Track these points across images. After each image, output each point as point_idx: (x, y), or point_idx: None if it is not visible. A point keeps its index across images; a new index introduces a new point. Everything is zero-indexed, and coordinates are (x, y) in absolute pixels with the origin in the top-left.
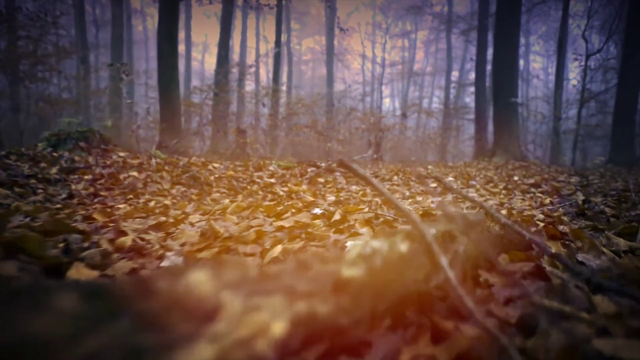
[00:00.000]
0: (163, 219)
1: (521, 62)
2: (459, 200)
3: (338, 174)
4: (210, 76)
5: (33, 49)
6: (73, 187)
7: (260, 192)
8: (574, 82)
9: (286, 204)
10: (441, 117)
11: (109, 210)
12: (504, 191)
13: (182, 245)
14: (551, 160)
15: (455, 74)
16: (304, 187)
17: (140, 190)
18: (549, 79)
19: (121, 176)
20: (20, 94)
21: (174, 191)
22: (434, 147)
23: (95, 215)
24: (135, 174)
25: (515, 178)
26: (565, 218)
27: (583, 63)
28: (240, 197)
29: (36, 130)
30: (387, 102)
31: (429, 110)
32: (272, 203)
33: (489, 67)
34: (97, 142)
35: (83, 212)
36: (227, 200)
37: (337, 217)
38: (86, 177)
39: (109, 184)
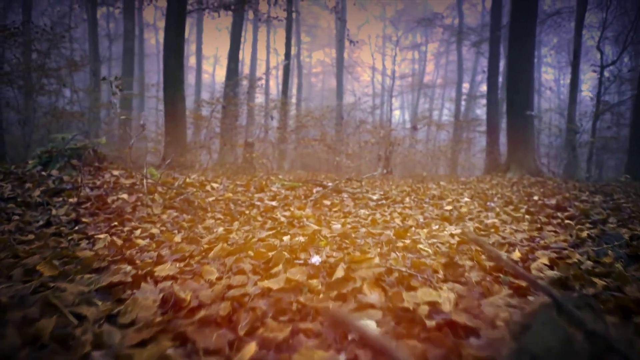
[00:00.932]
0: (128, 269)
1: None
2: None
3: (345, 195)
4: (221, 89)
5: (42, 62)
6: (54, 212)
7: (260, 218)
8: (588, 93)
9: (279, 247)
10: (452, 129)
11: (70, 252)
12: (527, 216)
13: (128, 326)
14: (566, 174)
15: (466, 86)
16: (308, 211)
17: (128, 215)
18: (560, 90)
19: (109, 199)
20: (28, 107)
21: (164, 217)
22: (445, 160)
23: (40, 268)
24: (125, 196)
25: (535, 197)
26: (618, 265)
27: (598, 75)
28: (236, 224)
29: (43, 143)
30: (397, 114)
31: (440, 123)
32: (269, 232)
33: (501, 79)
34: (90, 160)
35: (53, 244)
36: (220, 229)
37: (339, 273)
38: (71, 199)
39: (95, 208)
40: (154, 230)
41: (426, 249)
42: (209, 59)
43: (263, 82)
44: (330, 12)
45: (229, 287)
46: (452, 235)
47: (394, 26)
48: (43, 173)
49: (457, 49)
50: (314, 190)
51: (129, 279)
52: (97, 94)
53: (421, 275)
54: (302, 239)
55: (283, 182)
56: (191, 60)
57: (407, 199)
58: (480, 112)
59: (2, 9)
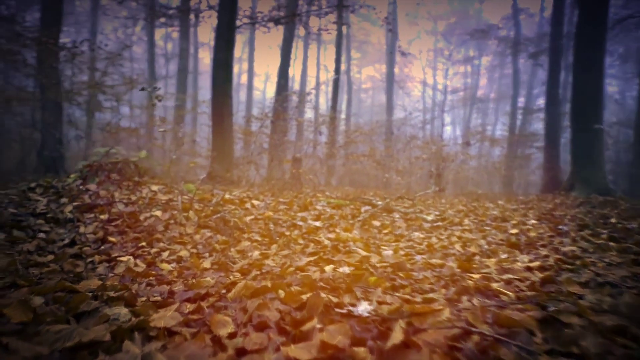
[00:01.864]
0: (122, 313)
1: None
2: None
3: (397, 215)
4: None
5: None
6: (81, 229)
7: (301, 241)
8: None
9: (319, 281)
10: (506, 145)
11: (71, 282)
12: (611, 243)
13: None
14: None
15: (521, 101)
16: (356, 233)
17: (159, 234)
18: (627, 102)
19: (142, 216)
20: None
21: (197, 237)
22: (498, 177)
23: (9, 312)
24: (158, 213)
25: (613, 220)
26: None
27: None
28: (274, 247)
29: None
30: (448, 129)
31: (494, 138)
32: (310, 259)
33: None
34: (130, 174)
35: (69, 268)
36: (256, 253)
37: (397, 336)
38: (102, 216)
39: (125, 225)
40: (183, 253)
41: (504, 290)
42: (260, 76)
43: (312, 97)
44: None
45: (240, 352)
46: (529, 269)
47: (446, 40)
48: (81, 187)
49: (512, 61)
50: (362, 210)
51: (107, 337)
52: (151, 110)
53: (513, 342)
54: (347, 269)
55: (329, 200)
56: (243, 78)
57: (466, 220)
58: (537, 127)
59: (73, 33)
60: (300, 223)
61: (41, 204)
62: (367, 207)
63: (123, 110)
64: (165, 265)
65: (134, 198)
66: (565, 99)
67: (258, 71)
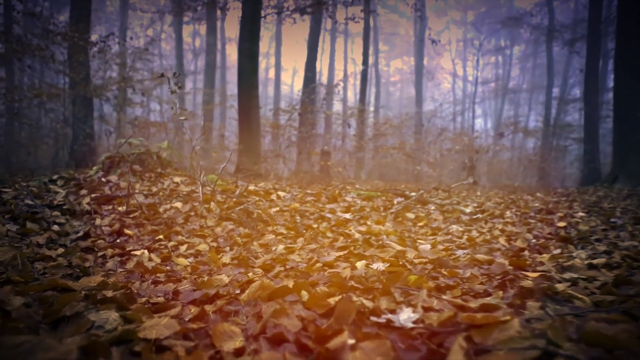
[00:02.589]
0: (111, 318)
1: None
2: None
3: (432, 207)
4: (299, 98)
5: (127, 75)
6: (97, 221)
7: (330, 234)
8: None
9: (349, 280)
10: (541, 137)
11: (68, 279)
12: None
13: None
14: None
15: (555, 91)
16: (388, 225)
17: (178, 226)
18: None
19: (162, 208)
20: (118, 118)
21: (218, 230)
22: (533, 170)
23: None
24: (178, 205)
25: None
26: None
27: None
28: (300, 241)
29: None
30: (478, 122)
31: (529, 130)
32: (340, 254)
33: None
34: (152, 166)
35: (77, 262)
36: (281, 247)
37: (456, 359)
38: (120, 208)
39: (144, 217)
40: (202, 247)
41: (574, 293)
42: (288, 71)
43: (340, 88)
44: (409, 15)
45: None
46: (593, 267)
47: (476, 30)
48: (103, 179)
49: (546, 49)
50: (395, 201)
51: (74, 356)
52: (174, 98)
53: None
54: (381, 266)
55: (359, 192)
56: (270, 73)
57: (508, 213)
58: (572, 118)
59: (104, 31)
60: (329, 215)
61: (60, 195)
62: (400, 199)
63: (153, 106)
64: (181, 260)
65: (154, 190)
66: (604, 88)
67: (286, 66)
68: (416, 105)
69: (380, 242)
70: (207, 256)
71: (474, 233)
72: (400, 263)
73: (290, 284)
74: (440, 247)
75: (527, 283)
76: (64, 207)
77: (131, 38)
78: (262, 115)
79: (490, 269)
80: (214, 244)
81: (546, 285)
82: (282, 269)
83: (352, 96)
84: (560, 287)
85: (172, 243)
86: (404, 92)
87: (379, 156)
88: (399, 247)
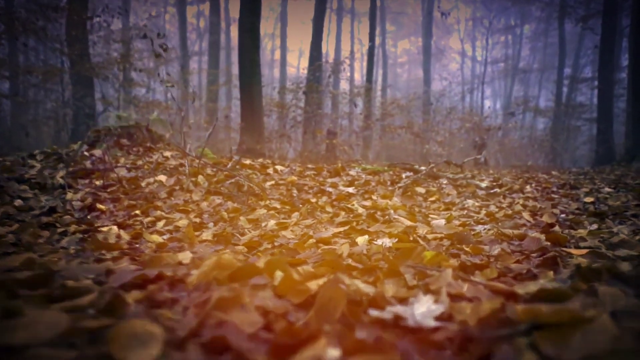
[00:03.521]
0: None
1: None
2: None
3: (445, 181)
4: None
5: (125, 53)
6: (69, 196)
7: (329, 209)
8: None
9: (345, 259)
10: (552, 116)
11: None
12: None
13: None
14: None
15: (566, 71)
16: (396, 200)
17: (161, 201)
18: None
19: (144, 182)
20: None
21: (205, 204)
22: (544, 150)
23: None
24: (162, 178)
25: None
26: None
27: None
28: (296, 216)
29: None
30: (487, 103)
31: (541, 109)
32: (339, 230)
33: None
34: (142, 140)
35: (28, 239)
36: (272, 222)
37: None
38: (97, 182)
39: (122, 192)
40: (182, 223)
41: None
42: (294, 52)
43: (347, 65)
44: None
45: None
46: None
47: (486, 8)
48: (85, 154)
49: (558, 27)
50: (403, 176)
51: None
52: (186, 84)
53: None
54: (388, 241)
55: (364, 167)
56: (276, 54)
57: (528, 187)
58: (585, 98)
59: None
60: (330, 189)
61: (34, 169)
62: (409, 173)
63: (157, 87)
64: (154, 237)
65: (140, 163)
66: (618, 67)
67: (291, 47)
68: (424, 84)
69: (387, 217)
70: (183, 233)
71: (493, 208)
72: (411, 239)
73: (262, 263)
74: (456, 222)
75: (578, 261)
76: (34, 181)
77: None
78: (267, 96)
79: (522, 246)
80: (197, 220)
81: (604, 263)
82: (270, 246)
83: (360, 77)
84: (624, 266)
85: (149, 219)
86: (411, 73)
87: (387, 137)
88: (409, 222)
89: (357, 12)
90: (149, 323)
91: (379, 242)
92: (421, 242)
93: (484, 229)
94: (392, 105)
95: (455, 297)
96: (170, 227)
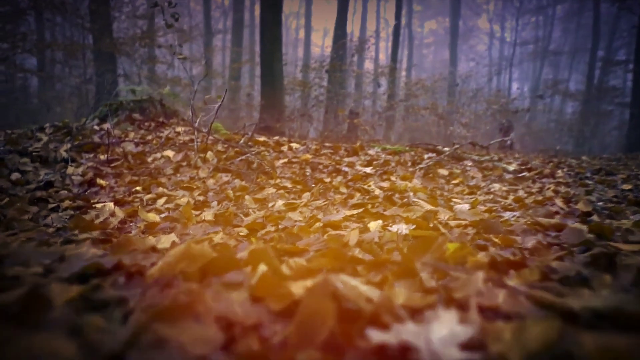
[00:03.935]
0: None
1: None
2: None
3: (469, 162)
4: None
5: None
6: (70, 170)
7: (344, 190)
8: None
9: (353, 247)
10: (581, 100)
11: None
12: None
13: None
14: None
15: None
16: (416, 182)
17: (166, 177)
18: None
19: (151, 157)
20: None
21: (211, 182)
22: (572, 135)
23: None
24: (169, 154)
25: None
26: None
27: None
28: (306, 196)
29: None
30: (515, 85)
31: (572, 92)
32: (351, 212)
33: None
34: (155, 114)
35: (13, 214)
36: (280, 202)
37: None
38: (101, 156)
39: (127, 167)
40: (184, 200)
41: None
42: (319, 31)
43: (372, 44)
44: None
45: None
46: None
47: None
48: (95, 127)
49: (593, 7)
50: (425, 157)
51: None
52: (209, 62)
53: None
54: (404, 228)
55: (384, 147)
56: (300, 33)
57: (559, 172)
58: (617, 82)
59: None
60: (346, 169)
61: (40, 143)
62: (431, 154)
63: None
64: (151, 216)
65: (149, 138)
66: None
67: (316, 26)
68: (450, 64)
69: (406, 200)
70: (180, 212)
71: (521, 193)
72: (431, 225)
73: (246, 253)
74: (482, 207)
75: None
76: (36, 154)
77: None
78: (289, 75)
79: (560, 238)
80: (201, 198)
81: None
82: (273, 229)
83: (384, 58)
84: None
85: (149, 196)
86: (437, 55)
87: (410, 119)
88: (429, 207)
89: None
90: (61, 338)
91: (394, 228)
92: (442, 229)
93: (513, 216)
94: (417, 85)
95: (487, 312)
96: (170, 205)
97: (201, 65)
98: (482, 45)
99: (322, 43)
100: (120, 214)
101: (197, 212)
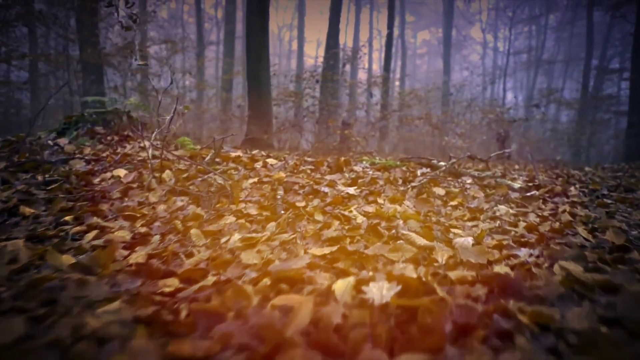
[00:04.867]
0: None
1: None
2: None
3: (469, 180)
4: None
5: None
6: None
7: (320, 217)
8: None
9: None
10: (576, 109)
11: None
12: None
13: None
14: None
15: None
16: (408, 205)
17: (111, 202)
18: None
19: (99, 177)
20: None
21: (162, 207)
22: (569, 144)
23: None
24: (121, 173)
25: None
26: None
27: None
28: (272, 226)
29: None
30: (509, 95)
31: (568, 100)
32: (322, 252)
33: None
34: (121, 127)
35: None
36: (237, 237)
37: None
38: (39, 177)
39: (66, 189)
40: (121, 234)
41: None
42: (312, 43)
43: (364, 53)
44: None
45: None
46: None
47: None
48: (49, 142)
49: (587, 15)
50: (419, 172)
51: None
52: (201, 74)
53: None
54: (386, 290)
55: (372, 161)
56: (294, 45)
57: (572, 189)
58: (612, 90)
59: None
60: (325, 189)
61: None
62: (426, 169)
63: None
64: (64, 259)
65: (105, 155)
66: None
67: (309, 38)
68: (444, 74)
69: (394, 230)
70: (98, 252)
71: (533, 217)
72: (424, 279)
73: None
74: (489, 240)
75: None
76: None
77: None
78: (280, 85)
79: (618, 309)
80: (144, 230)
81: None
82: (213, 280)
83: (378, 69)
84: None
85: (78, 228)
86: (431, 65)
87: (405, 130)
88: (422, 241)
89: (376, 2)
90: None
91: (372, 290)
92: (439, 290)
93: (531, 255)
94: (410, 95)
95: None
96: (100, 242)
97: (193, 77)
98: (475, 55)
99: (315, 54)
100: (24, 256)
101: (128, 253)
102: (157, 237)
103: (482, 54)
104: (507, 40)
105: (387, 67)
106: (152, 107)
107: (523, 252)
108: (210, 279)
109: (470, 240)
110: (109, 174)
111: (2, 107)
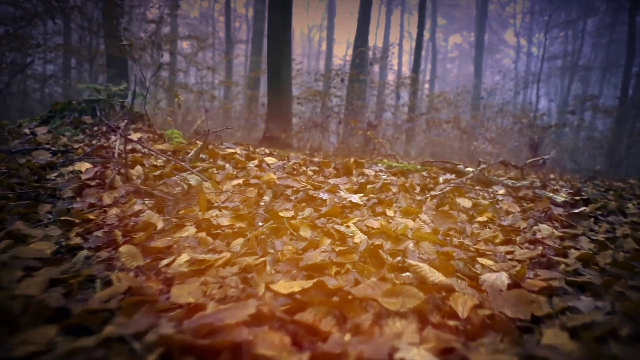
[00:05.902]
0: None
1: None
2: None
3: (501, 190)
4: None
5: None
6: None
7: (307, 232)
8: None
9: None
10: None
11: None
12: None
13: None
14: None
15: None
16: (425, 219)
17: (60, 201)
18: None
19: (56, 172)
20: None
21: (114, 212)
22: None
23: None
24: (82, 167)
25: None
26: None
27: None
28: (238, 243)
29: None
30: (542, 101)
31: (606, 107)
32: (291, 289)
33: None
34: (109, 118)
35: None
36: (184, 257)
37: None
38: None
39: (9, 185)
40: (43, 246)
41: None
42: (342, 44)
43: (392, 52)
44: None
45: None
46: None
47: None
48: (26, 131)
49: (628, 19)
50: (441, 179)
51: None
52: (229, 71)
53: None
54: None
55: (390, 164)
56: (323, 45)
57: (630, 206)
58: None
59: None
60: (324, 195)
61: None
62: (449, 176)
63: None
64: None
65: (76, 146)
66: None
67: (339, 39)
68: (475, 77)
69: (400, 257)
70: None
71: (584, 243)
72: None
73: None
74: (530, 278)
75: None
76: None
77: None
78: (305, 84)
79: None
80: (77, 241)
81: None
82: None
83: (407, 71)
84: None
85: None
86: (461, 69)
87: (432, 134)
88: (437, 276)
89: (407, 4)
90: None
91: None
92: None
93: (596, 307)
94: (439, 98)
95: None
96: (5, 256)
97: (219, 75)
98: (508, 59)
99: (344, 55)
100: None
101: (22, 275)
102: (83, 253)
103: (515, 59)
104: (542, 45)
105: (416, 68)
106: (157, 100)
107: (584, 303)
108: (94, 338)
109: (504, 278)
110: (71, 168)
111: (30, 100)
